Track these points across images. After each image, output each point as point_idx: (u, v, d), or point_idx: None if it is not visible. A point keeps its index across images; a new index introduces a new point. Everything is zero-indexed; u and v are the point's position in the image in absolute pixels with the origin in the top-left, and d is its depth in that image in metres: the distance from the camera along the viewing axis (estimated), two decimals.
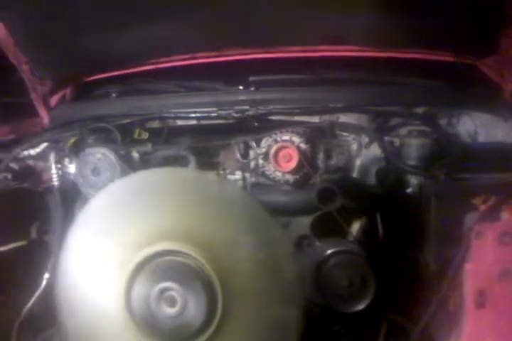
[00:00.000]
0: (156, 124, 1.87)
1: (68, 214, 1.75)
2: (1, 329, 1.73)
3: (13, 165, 1.82)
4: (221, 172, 1.75)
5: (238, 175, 1.73)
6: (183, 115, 1.84)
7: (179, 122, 1.86)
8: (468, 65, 1.80)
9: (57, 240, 1.69)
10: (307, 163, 1.62)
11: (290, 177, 1.65)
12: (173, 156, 1.75)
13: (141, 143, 1.81)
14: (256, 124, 1.77)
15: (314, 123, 1.73)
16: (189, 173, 1.64)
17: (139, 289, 1.30)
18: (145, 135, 1.84)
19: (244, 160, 1.75)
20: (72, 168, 1.79)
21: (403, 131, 1.70)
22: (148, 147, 1.77)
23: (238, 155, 1.77)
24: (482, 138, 1.70)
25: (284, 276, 1.39)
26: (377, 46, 1.81)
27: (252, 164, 1.72)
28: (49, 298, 1.53)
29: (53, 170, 1.78)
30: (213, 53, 1.89)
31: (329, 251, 1.58)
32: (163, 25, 1.76)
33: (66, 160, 1.81)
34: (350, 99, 1.75)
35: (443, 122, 1.71)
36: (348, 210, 1.56)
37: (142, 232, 1.36)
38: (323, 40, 1.83)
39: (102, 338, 1.38)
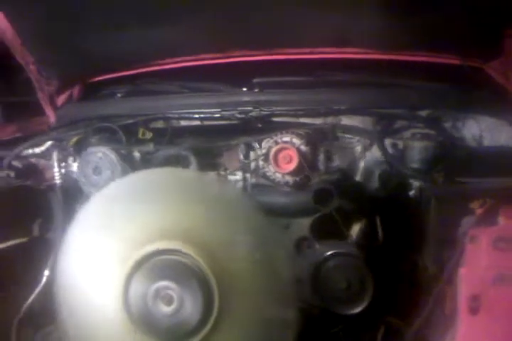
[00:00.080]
0: (160, 124, 1.88)
1: (70, 213, 1.76)
2: (1, 326, 1.74)
3: (16, 163, 1.84)
4: (222, 172, 1.75)
5: (239, 175, 1.73)
6: (186, 115, 1.85)
7: (183, 122, 1.87)
8: (475, 68, 1.78)
9: (58, 238, 1.70)
10: (307, 164, 1.62)
11: (290, 179, 1.65)
12: (175, 156, 1.76)
13: (143, 143, 1.82)
14: (259, 126, 1.77)
15: (315, 125, 1.73)
16: (189, 173, 1.64)
17: (137, 287, 1.31)
18: (149, 135, 1.85)
19: (245, 161, 1.75)
20: (75, 167, 1.81)
21: (407, 133, 1.69)
22: (150, 147, 1.78)
23: (241, 156, 1.77)
24: (487, 142, 1.68)
25: (281, 277, 1.39)
26: (382, 49, 1.80)
27: (253, 165, 1.73)
28: (49, 294, 1.53)
29: (56, 169, 1.80)
30: (218, 55, 1.90)
31: (328, 253, 1.58)
32: (169, 27, 1.77)
33: (70, 159, 1.83)
34: (354, 101, 1.75)
35: (448, 125, 1.70)
36: (348, 212, 1.56)
37: (141, 231, 1.36)
38: (328, 42, 1.83)
39: (99, 336, 1.38)
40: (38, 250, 1.79)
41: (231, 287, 1.31)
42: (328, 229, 1.60)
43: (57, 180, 1.81)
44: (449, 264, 1.22)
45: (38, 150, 1.86)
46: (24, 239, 1.79)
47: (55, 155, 1.82)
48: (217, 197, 1.47)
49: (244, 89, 1.87)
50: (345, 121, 1.74)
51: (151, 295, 1.30)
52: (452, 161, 1.58)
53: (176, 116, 1.85)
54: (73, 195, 1.82)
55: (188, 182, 1.51)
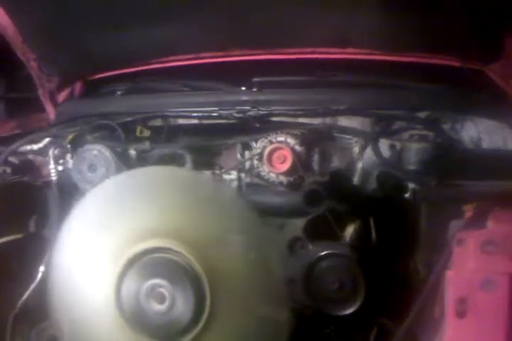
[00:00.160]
0: (158, 123, 1.88)
1: (66, 209, 1.76)
2: None
3: (13, 159, 1.85)
4: (217, 171, 1.75)
5: (234, 175, 1.73)
6: (184, 114, 1.85)
7: (181, 121, 1.87)
8: (475, 70, 1.77)
9: (53, 234, 1.71)
10: (301, 165, 1.62)
11: (284, 179, 1.64)
12: (170, 155, 1.76)
13: (140, 141, 1.82)
14: (257, 125, 1.77)
15: (311, 125, 1.72)
16: (183, 172, 1.65)
17: (129, 285, 1.32)
18: (147, 133, 1.85)
19: (240, 161, 1.75)
20: (71, 164, 1.81)
21: (405, 135, 1.69)
22: (146, 145, 1.79)
23: (239, 156, 1.77)
24: (486, 144, 1.67)
25: (273, 277, 1.39)
26: (381, 49, 1.80)
27: (247, 165, 1.72)
28: (44, 291, 1.54)
29: (52, 165, 1.81)
30: (218, 53, 1.90)
31: (321, 254, 1.57)
32: (169, 25, 1.78)
33: (68, 156, 1.84)
34: (352, 101, 1.74)
35: (446, 127, 1.69)
36: (341, 213, 1.55)
37: (133, 229, 1.37)
38: (328, 42, 1.82)
39: (92, 331, 1.39)
40: (33, 246, 1.80)
41: (223, 286, 1.31)
42: (321, 229, 1.60)
43: (54, 177, 1.81)
44: (436, 267, 1.21)
45: (35, 146, 1.87)
46: (20, 235, 1.80)
47: (51, 152, 1.82)
48: (210, 196, 1.48)
49: (243, 88, 1.87)
50: (344, 121, 1.73)
51: (144, 293, 1.31)
52: (449, 163, 1.57)
53: (174, 114, 1.85)
54: (69, 191, 1.82)
55: (181, 180, 1.52)
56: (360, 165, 1.68)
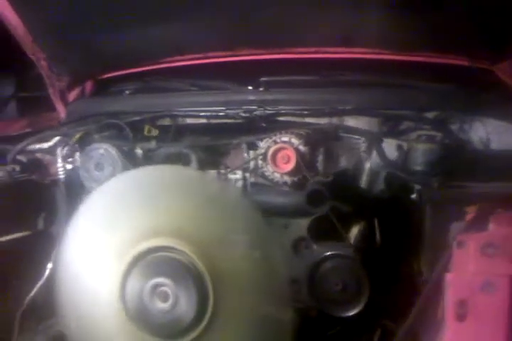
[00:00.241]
0: (166, 122, 1.89)
1: (73, 207, 1.78)
2: (4, 318, 1.77)
3: (22, 158, 1.87)
4: (222, 171, 1.75)
5: (239, 174, 1.73)
6: (192, 113, 1.86)
7: (188, 120, 1.88)
8: (483, 70, 1.75)
9: (61, 232, 1.73)
10: (305, 165, 1.61)
11: (288, 179, 1.64)
12: (176, 154, 1.77)
13: (147, 140, 1.83)
14: (263, 125, 1.77)
15: (317, 124, 1.72)
16: (188, 171, 1.65)
17: (134, 283, 1.33)
18: (155, 132, 1.86)
19: (245, 160, 1.75)
20: (79, 162, 1.83)
21: (413, 135, 1.68)
22: (152, 144, 1.80)
23: (246, 155, 1.78)
24: (495, 144, 1.66)
25: (277, 276, 1.39)
26: (388, 49, 1.78)
27: (252, 164, 1.72)
28: (51, 287, 1.56)
29: (59, 164, 1.82)
30: (225, 53, 1.90)
31: (325, 254, 1.57)
32: (177, 25, 1.79)
33: (76, 155, 1.85)
34: (360, 101, 1.73)
35: (455, 127, 1.67)
36: (345, 214, 1.55)
37: (138, 227, 1.38)
38: (335, 41, 1.81)
39: (98, 328, 1.40)
40: (41, 243, 1.82)
41: (226, 285, 1.32)
42: (326, 230, 1.60)
43: (61, 175, 1.83)
44: (436, 269, 1.20)
45: (45, 145, 1.89)
46: (28, 233, 1.82)
47: (59, 151, 1.84)
48: (215, 195, 1.48)
49: (250, 87, 1.87)
50: (351, 121, 1.73)
51: (148, 291, 1.32)
52: (458, 164, 1.56)
53: (182, 113, 1.86)
54: (77, 189, 1.84)
55: (186, 179, 1.52)
56: (368, 165, 1.66)
